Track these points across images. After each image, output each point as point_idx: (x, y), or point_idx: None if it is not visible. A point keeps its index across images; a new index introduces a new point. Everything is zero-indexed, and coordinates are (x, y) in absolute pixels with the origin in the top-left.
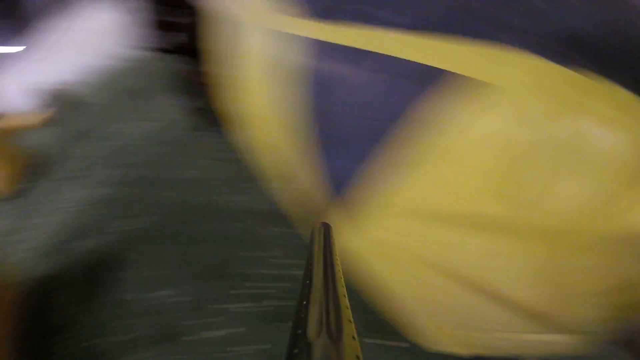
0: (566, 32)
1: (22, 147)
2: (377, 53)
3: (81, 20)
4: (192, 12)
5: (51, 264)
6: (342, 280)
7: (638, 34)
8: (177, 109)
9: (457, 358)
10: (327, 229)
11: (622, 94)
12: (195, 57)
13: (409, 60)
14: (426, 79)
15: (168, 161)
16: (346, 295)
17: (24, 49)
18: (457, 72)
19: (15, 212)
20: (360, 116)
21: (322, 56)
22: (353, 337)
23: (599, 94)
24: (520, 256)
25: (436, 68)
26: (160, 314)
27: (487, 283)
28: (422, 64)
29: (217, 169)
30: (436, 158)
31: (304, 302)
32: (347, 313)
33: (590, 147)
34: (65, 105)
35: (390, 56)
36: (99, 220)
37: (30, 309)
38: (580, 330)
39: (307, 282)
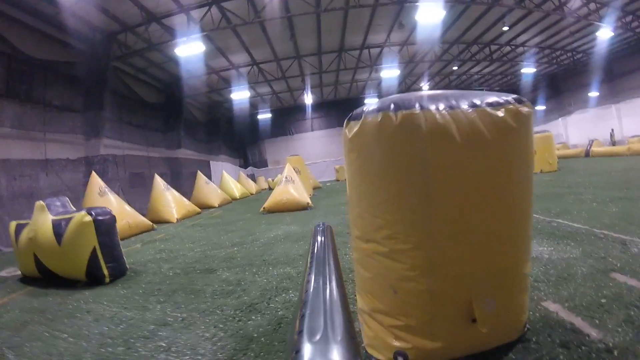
0: None
1: None
2: None
3: None
4: None
5: None
6: (342, 280)
7: None
8: None
9: None
10: (328, 229)
11: None
12: None
13: None
14: None
15: None
16: (346, 295)
17: None
18: None
19: None
20: None
21: None
22: (353, 337)
23: None
24: None
25: None
26: None
27: None
28: None
29: None
30: None
31: (305, 302)
32: (347, 313)
33: None
34: None
35: None
36: None
37: None
38: None
39: (308, 282)
